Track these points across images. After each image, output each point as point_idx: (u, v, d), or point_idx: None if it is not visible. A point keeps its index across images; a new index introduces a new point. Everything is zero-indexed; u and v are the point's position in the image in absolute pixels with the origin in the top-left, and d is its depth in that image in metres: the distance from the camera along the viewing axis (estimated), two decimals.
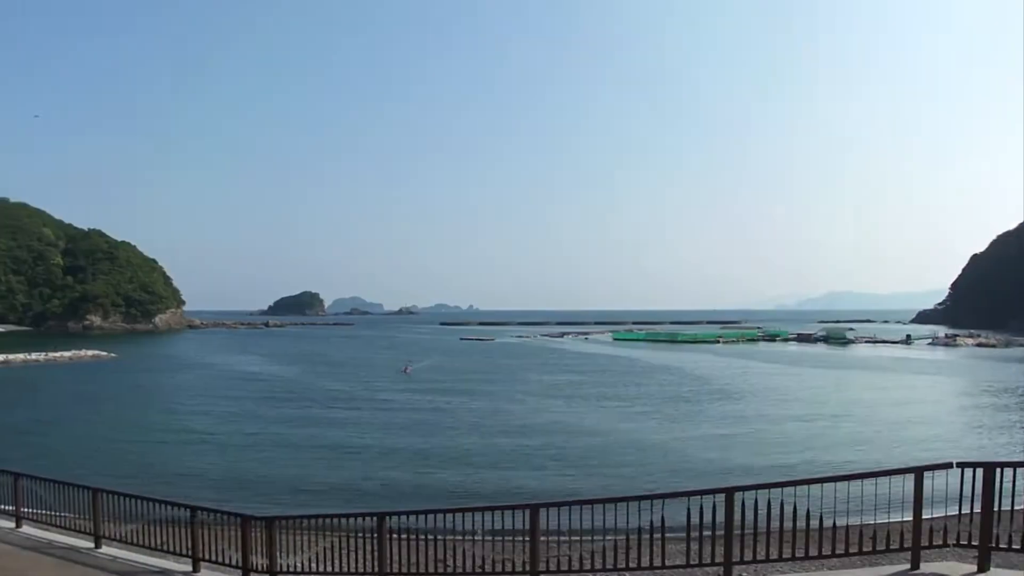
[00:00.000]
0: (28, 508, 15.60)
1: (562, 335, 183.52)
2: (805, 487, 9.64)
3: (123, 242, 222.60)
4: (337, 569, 11.81)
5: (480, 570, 11.10)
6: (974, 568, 8.87)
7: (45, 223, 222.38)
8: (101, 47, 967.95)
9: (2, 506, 16.03)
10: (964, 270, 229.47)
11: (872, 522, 9.43)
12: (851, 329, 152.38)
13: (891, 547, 9.37)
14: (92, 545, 14.25)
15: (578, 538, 10.52)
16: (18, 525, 15.66)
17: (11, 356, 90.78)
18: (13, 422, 43.43)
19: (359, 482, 28.83)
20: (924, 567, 9.20)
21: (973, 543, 8.92)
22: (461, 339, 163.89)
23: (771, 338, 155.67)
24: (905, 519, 9.40)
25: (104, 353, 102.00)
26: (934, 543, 9.17)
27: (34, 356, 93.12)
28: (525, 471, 30.65)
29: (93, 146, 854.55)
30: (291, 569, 12.12)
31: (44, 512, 15.21)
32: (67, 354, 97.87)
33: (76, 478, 15.13)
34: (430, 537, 11.20)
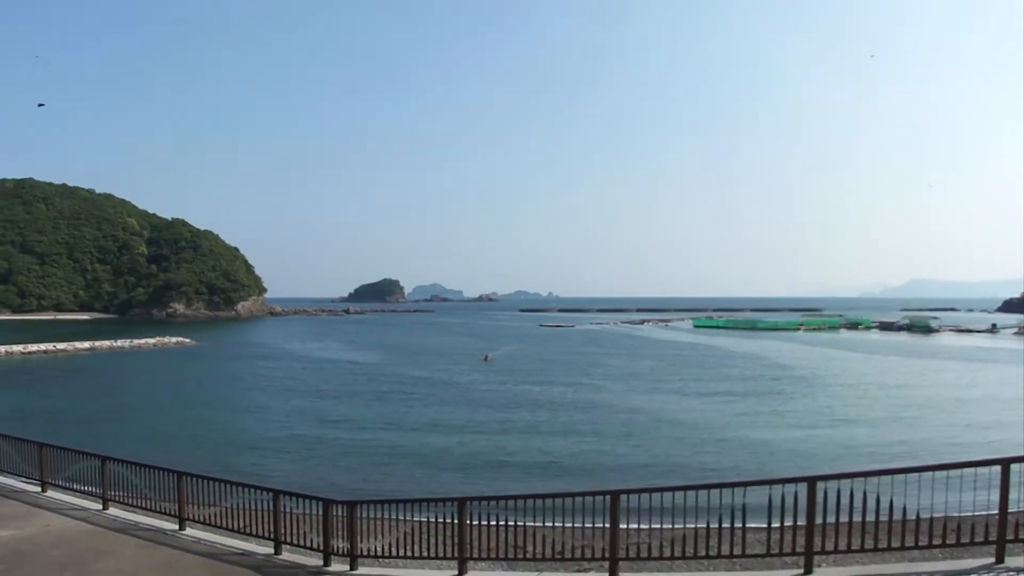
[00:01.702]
0: (115, 491, 16.02)
1: (642, 322, 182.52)
2: (888, 477, 9.52)
3: (206, 231, 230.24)
4: (417, 553, 12.01)
5: (559, 556, 11.22)
6: None
7: (130, 213, 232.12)
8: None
9: (90, 488, 16.52)
10: None
11: (956, 515, 9.26)
12: (935, 318, 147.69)
13: (975, 540, 9.20)
14: (176, 527, 14.57)
15: (658, 525, 10.41)
16: (105, 507, 16.03)
17: (98, 343, 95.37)
18: (100, 407, 45.53)
19: (440, 467, 29.34)
20: (1009, 561, 8.98)
21: None
22: (541, 326, 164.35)
23: (853, 326, 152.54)
24: (991, 512, 9.20)
25: (187, 340, 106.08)
26: (1020, 537, 8.96)
27: (120, 343, 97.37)
28: (605, 457, 30.78)
29: (178, 130, 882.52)
30: (372, 553, 12.31)
31: (130, 496, 15.61)
32: (151, 341, 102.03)
33: (161, 462, 15.55)
34: (510, 523, 11.34)
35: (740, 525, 10.00)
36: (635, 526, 11.31)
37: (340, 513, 12.43)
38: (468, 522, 11.51)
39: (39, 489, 17.57)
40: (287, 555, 12.97)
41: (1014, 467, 8.87)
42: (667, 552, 10.45)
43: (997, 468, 8.93)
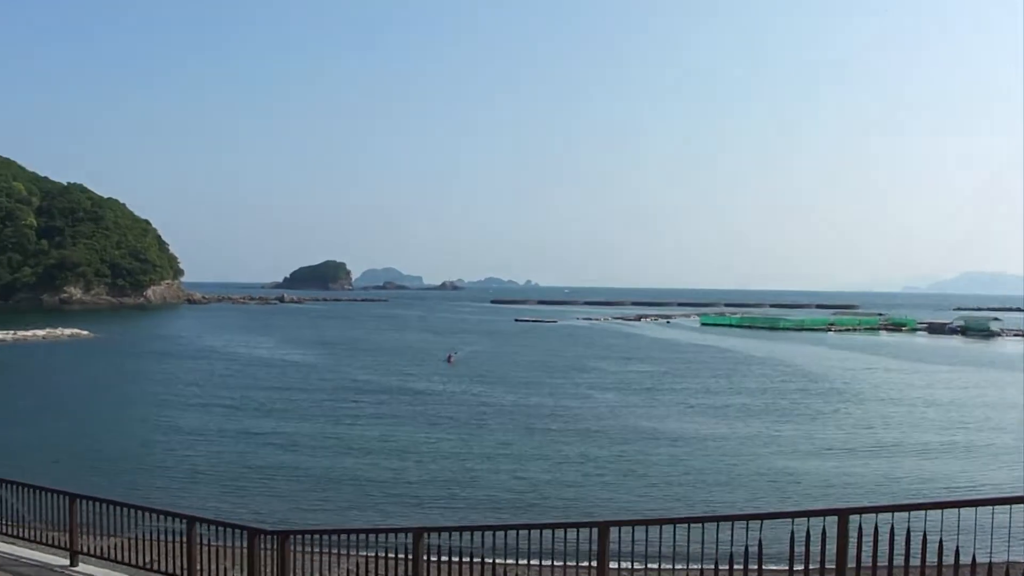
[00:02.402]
0: None
1: (639, 318, 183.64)
2: (937, 512, 9.46)
3: (110, 199, 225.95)
4: None
5: None
6: None
7: (15, 176, 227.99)
8: None
9: None
10: None
11: (1020, 559, 9.21)
12: (996, 319, 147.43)
13: None
14: (67, 562, 14.35)
15: (655, 566, 10.38)
16: None
17: None
18: None
19: (392, 493, 29.34)
20: None
21: None
22: (516, 321, 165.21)
23: (896, 327, 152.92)
24: None
25: (85, 332, 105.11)
26: None
27: None
28: (592, 483, 30.87)
29: (73, 85, 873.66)
30: None
31: (11, 524, 15.18)
32: (40, 333, 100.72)
33: (50, 482, 15.23)
34: (475, 559, 11.15)
35: (756, 566, 9.84)
36: (627, 565, 11.15)
37: (269, 546, 12.27)
38: (425, 557, 11.40)
39: None
40: None
41: None
42: None
43: None
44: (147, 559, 13.19)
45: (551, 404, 51.39)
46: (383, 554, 11.74)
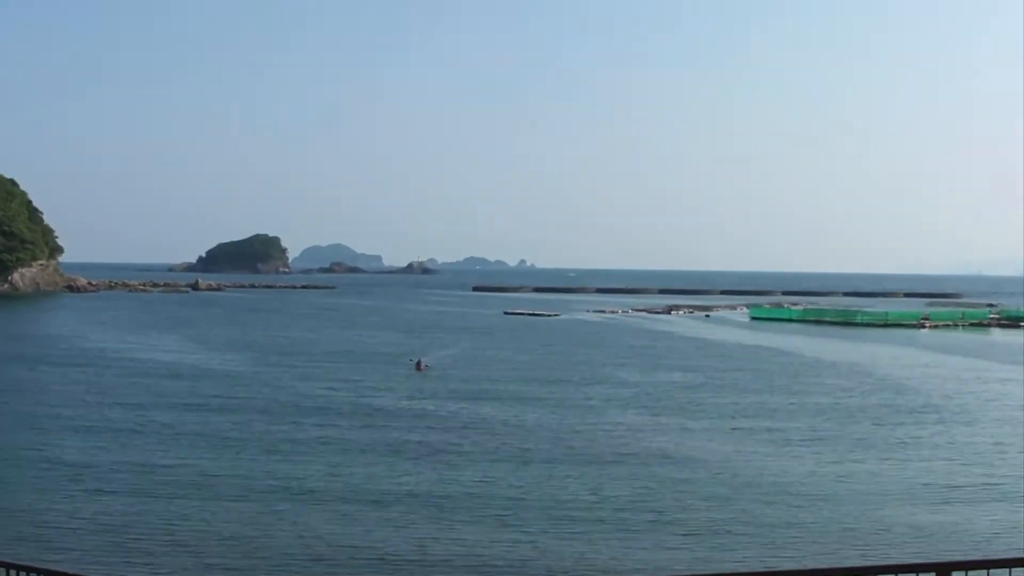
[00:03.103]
0: None
1: (669, 310, 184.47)
2: None
3: None
4: None
5: None
6: None
7: None
8: None
9: None
10: None
11: None
12: None
13: None
14: None
15: None
16: None
17: None
18: None
19: (341, 552, 29.03)
20: None
21: None
22: (506, 314, 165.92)
23: (1012, 322, 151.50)
24: None
25: None
26: None
27: None
28: (610, 533, 30.68)
29: None
30: None
31: None
32: None
33: None
34: None
35: None
36: None
37: None
38: None
39: None
40: None
41: None
42: None
43: None
44: None
45: (553, 425, 51.30)
46: None
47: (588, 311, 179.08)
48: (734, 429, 51.10)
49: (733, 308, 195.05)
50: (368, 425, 51.54)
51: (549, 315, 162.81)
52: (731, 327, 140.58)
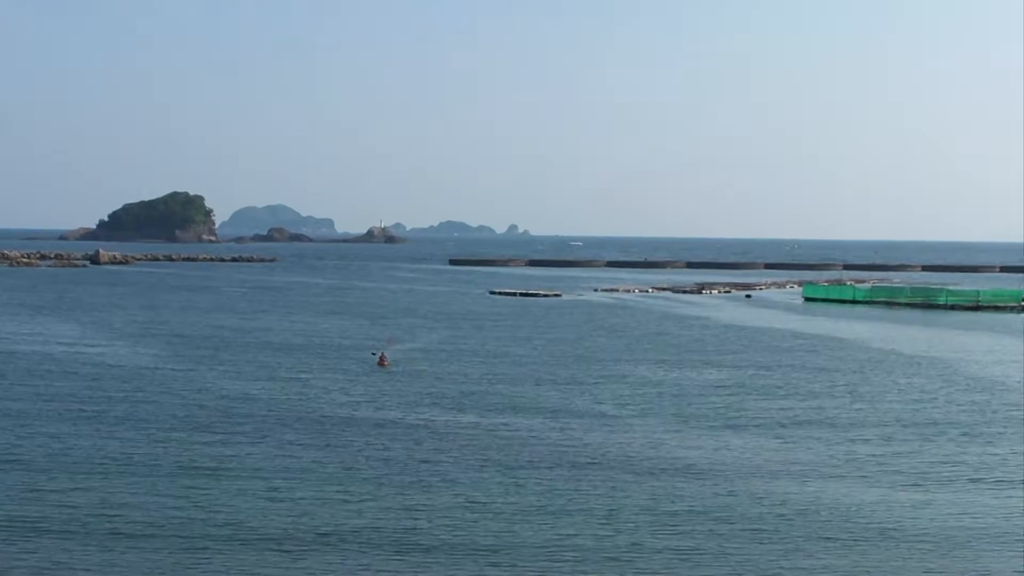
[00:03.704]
0: None
1: (700, 288, 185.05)
2: None
3: None
4: None
5: None
6: None
7: None
8: None
9: None
10: None
11: None
12: None
13: None
14: None
15: None
16: None
17: None
18: None
19: None
20: None
21: None
22: (492, 294, 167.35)
23: None
24: None
25: None
26: None
27: None
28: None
29: None
30: None
31: None
32: None
33: None
34: None
35: None
36: None
37: None
38: None
39: None
40: None
41: None
42: None
43: None
44: None
45: (553, 437, 51.03)
46: None
47: (597, 290, 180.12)
48: (783, 442, 50.66)
49: (780, 286, 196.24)
50: (317, 438, 50.98)
51: (548, 295, 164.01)
52: (779, 311, 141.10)
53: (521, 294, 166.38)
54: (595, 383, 70.25)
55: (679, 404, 61.87)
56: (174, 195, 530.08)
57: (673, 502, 38.84)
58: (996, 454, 48.57)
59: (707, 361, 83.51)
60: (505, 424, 54.73)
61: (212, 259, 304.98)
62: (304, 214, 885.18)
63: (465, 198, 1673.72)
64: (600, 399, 63.28)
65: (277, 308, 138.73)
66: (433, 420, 55.52)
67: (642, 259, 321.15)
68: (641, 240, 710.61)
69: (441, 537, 34.32)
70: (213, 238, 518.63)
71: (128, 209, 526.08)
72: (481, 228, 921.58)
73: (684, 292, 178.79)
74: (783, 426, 54.74)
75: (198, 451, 47.94)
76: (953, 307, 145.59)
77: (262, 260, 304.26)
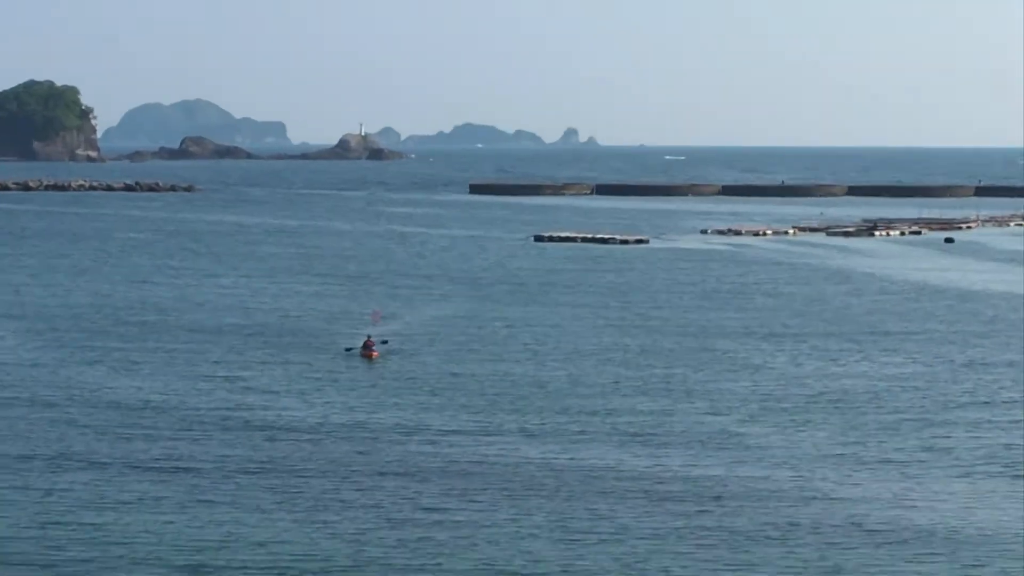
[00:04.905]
0: None
1: (870, 228, 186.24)
2: None
3: None
4: None
5: None
6: None
7: None
8: None
9: None
10: None
11: None
12: None
13: None
14: None
15: None
16: None
17: None
18: None
19: None
20: None
21: None
22: (537, 241, 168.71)
23: None
24: None
25: None
26: None
27: None
28: None
29: None
30: None
31: None
32: None
33: None
34: None
35: None
36: None
37: None
38: None
39: None
40: None
41: None
42: None
43: None
44: None
45: (633, 460, 51.49)
46: None
47: (707, 232, 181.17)
48: (1016, 476, 50.15)
49: (1002, 223, 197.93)
50: (266, 462, 51.26)
51: (628, 242, 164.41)
52: (1003, 264, 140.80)
53: (585, 240, 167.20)
54: (710, 384, 69.98)
55: (848, 414, 61.45)
56: (31, 87, 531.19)
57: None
58: None
59: (888, 345, 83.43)
60: (564, 458, 53.51)
61: (92, 187, 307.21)
62: (238, 115, 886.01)
63: (494, 90, 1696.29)
64: (720, 408, 63.01)
65: (196, 266, 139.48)
66: (448, 450, 54.44)
67: (777, 182, 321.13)
68: (767, 152, 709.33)
69: None
70: (94, 154, 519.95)
71: None
72: (520, 136, 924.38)
73: (846, 234, 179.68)
74: (999, 450, 54.02)
75: (66, 495, 47.56)
76: None
77: (172, 189, 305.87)
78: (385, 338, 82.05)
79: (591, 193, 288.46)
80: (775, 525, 42.62)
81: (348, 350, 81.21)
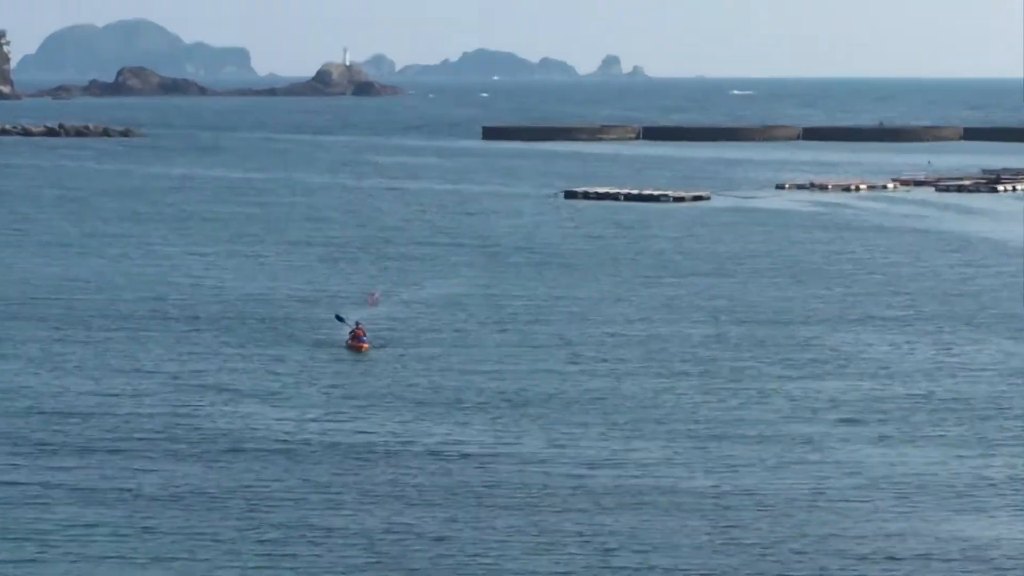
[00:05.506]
0: None
1: (992, 182, 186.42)
2: None
3: None
4: None
5: None
6: None
7: None
8: None
9: None
10: None
11: None
12: None
13: None
14: None
15: None
16: None
17: None
18: None
19: None
20: None
21: None
22: (568, 198, 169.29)
23: None
24: None
25: None
26: None
27: None
28: None
29: None
30: None
31: None
32: None
33: None
34: None
35: None
36: None
37: None
38: None
39: None
40: None
41: None
42: None
43: None
44: None
45: (692, 479, 51.60)
46: None
47: (785, 187, 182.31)
48: None
49: None
50: (225, 482, 51.30)
51: (684, 199, 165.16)
52: None
53: (629, 197, 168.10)
54: (790, 382, 70.38)
55: (968, 426, 61.23)
56: None
57: None
58: None
59: (1021, 335, 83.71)
60: (606, 476, 53.62)
61: (3, 130, 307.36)
62: (189, 40, 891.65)
63: (514, 8, 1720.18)
64: (803, 412, 63.16)
65: (135, 233, 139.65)
66: (454, 467, 54.62)
67: (875, 124, 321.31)
68: (859, 84, 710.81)
69: None
70: (6, 88, 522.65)
71: None
72: (547, 65, 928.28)
73: (960, 189, 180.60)
74: None
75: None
76: None
77: (106, 133, 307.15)
78: (355, 320, 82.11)
79: (636, 138, 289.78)
80: (871, 559, 42.96)
81: (340, 319, 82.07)
